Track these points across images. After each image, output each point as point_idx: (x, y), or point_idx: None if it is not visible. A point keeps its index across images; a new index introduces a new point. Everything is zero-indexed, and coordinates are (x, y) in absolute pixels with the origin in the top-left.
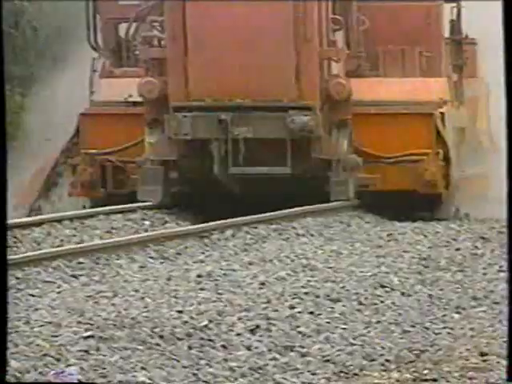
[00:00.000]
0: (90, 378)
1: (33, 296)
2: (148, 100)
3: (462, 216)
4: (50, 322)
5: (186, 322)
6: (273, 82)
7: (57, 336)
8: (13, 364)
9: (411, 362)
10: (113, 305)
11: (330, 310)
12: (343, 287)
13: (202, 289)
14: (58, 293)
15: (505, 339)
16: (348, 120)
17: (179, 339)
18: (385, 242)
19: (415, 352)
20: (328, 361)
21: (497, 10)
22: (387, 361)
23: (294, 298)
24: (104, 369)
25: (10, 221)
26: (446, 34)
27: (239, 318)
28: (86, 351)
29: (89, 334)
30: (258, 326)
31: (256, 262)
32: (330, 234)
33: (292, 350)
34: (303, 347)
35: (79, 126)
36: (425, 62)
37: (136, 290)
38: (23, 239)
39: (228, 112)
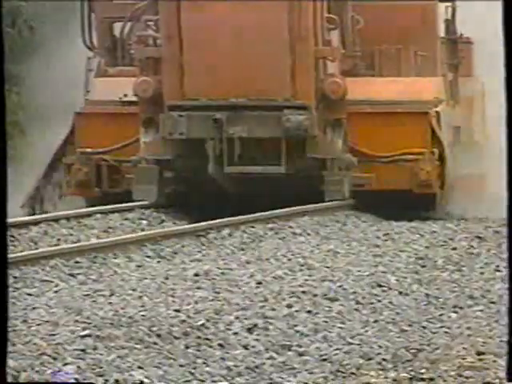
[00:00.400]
0: (87, 377)
1: (30, 295)
2: (143, 99)
3: (458, 215)
4: (47, 321)
5: (183, 320)
6: (268, 81)
7: (54, 335)
8: (10, 363)
9: (408, 361)
10: (110, 304)
11: (327, 309)
12: (340, 286)
13: (199, 288)
14: (56, 292)
15: (502, 338)
16: (343, 119)
17: (176, 338)
18: (382, 242)
19: (412, 351)
20: (325, 360)
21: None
22: (384, 360)
23: (291, 297)
24: (101, 368)
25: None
26: (442, 33)
27: (236, 317)
28: (83, 350)
29: (86, 332)
30: (255, 325)
31: (253, 260)
32: (326, 233)
33: (289, 349)
34: (300, 346)
35: (74, 125)
36: (420, 61)
37: (133, 289)
38: (20, 238)
39: (223, 111)
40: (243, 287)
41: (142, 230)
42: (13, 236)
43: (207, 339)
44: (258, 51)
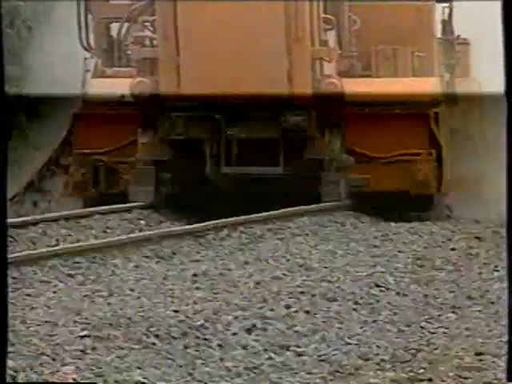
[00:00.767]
0: (86, 378)
1: (29, 295)
2: (140, 100)
3: (457, 216)
4: (46, 322)
5: (182, 321)
6: (265, 81)
7: (53, 335)
8: (9, 363)
9: (407, 361)
10: (109, 304)
11: (325, 309)
12: (339, 287)
13: (197, 288)
14: (54, 292)
15: (500, 339)
16: (340, 120)
17: (175, 338)
18: (380, 242)
19: (411, 351)
20: (324, 360)
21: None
22: (383, 360)
23: (289, 298)
24: (100, 368)
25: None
26: (438, 34)
27: (235, 318)
28: (82, 350)
29: (85, 333)
30: (253, 326)
31: (251, 261)
32: (325, 233)
33: (288, 350)
34: (299, 347)
35: (72, 126)
36: (417, 61)
37: (132, 290)
38: (19, 238)
39: (221, 112)
40: (242, 287)
41: (141, 230)
42: (11, 236)
43: (206, 339)
44: (254, 52)
